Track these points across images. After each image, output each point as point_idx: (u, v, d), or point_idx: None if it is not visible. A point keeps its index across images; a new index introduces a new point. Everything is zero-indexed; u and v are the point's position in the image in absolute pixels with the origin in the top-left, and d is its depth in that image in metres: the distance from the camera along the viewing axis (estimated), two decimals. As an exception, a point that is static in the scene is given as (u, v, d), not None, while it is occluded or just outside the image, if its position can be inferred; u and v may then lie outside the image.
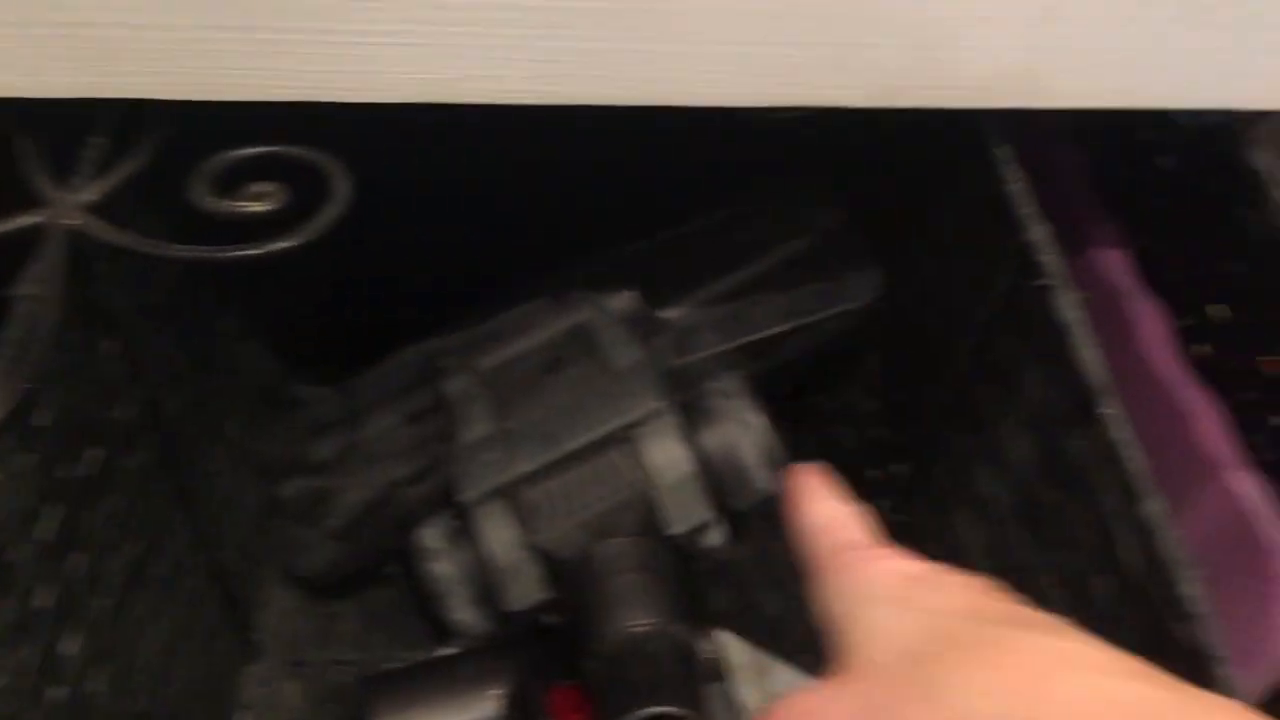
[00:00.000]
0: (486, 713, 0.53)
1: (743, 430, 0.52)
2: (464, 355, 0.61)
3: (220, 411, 0.58)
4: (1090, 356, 0.38)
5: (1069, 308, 0.39)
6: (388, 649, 0.63)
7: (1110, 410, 0.37)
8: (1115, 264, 0.55)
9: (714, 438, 0.52)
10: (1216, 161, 0.48)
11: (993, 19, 0.39)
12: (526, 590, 0.51)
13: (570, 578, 0.50)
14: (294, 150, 0.41)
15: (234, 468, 0.59)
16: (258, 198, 0.39)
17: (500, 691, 0.53)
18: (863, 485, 0.59)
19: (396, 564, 0.64)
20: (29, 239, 0.38)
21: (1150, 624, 0.34)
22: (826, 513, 0.34)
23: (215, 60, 0.38)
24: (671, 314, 0.60)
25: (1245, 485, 0.46)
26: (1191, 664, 0.32)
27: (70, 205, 0.39)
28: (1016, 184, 0.43)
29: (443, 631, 0.55)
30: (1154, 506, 0.34)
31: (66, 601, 0.39)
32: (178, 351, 0.51)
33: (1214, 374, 0.50)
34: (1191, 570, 0.33)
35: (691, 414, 0.53)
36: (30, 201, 0.39)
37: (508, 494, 0.52)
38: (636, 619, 0.47)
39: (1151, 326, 0.52)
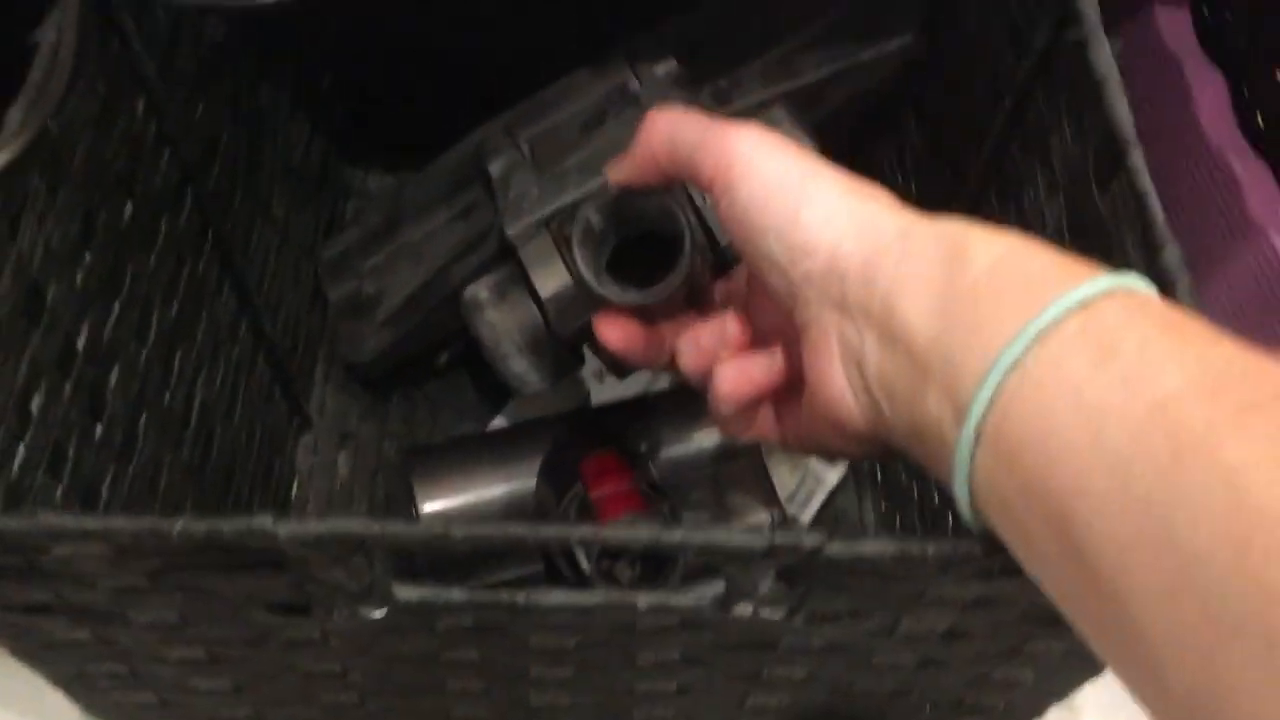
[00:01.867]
0: (525, 482, 0.54)
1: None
2: (509, 134, 0.61)
3: (266, 187, 0.58)
4: (1122, 110, 0.36)
5: (1105, 61, 0.38)
6: (433, 428, 0.65)
7: (1136, 162, 0.35)
8: (1176, 29, 0.52)
9: None
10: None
11: None
12: (573, 315, 0.51)
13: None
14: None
15: (281, 245, 0.61)
16: (273, -55, 0.38)
17: (537, 463, 0.54)
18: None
19: (446, 351, 0.66)
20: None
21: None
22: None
23: None
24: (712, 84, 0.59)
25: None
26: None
27: (87, -49, 0.39)
28: (1060, -72, 0.40)
29: (501, 388, 0.56)
30: (1173, 255, 0.33)
31: (110, 345, 0.41)
32: (215, 121, 0.51)
33: (1271, 141, 0.48)
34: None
35: None
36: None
37: (554, 226, 0.52)
38: None
39: (1210, 93, 0.50)
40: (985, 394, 0.25)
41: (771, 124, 0.52)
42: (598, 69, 0.59)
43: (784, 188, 0.31)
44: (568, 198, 0.51)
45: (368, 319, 0.65)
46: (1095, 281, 0.25)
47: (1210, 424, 0.21)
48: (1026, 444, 0.24)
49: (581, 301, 0.49)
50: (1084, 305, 0.25)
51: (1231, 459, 0.21)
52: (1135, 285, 0.26)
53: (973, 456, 0.25)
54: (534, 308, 0.52)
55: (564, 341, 0.52)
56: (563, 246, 0.51)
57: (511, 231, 0.52)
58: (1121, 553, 0.22)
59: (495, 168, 0.59)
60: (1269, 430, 0.21)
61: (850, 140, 0.65)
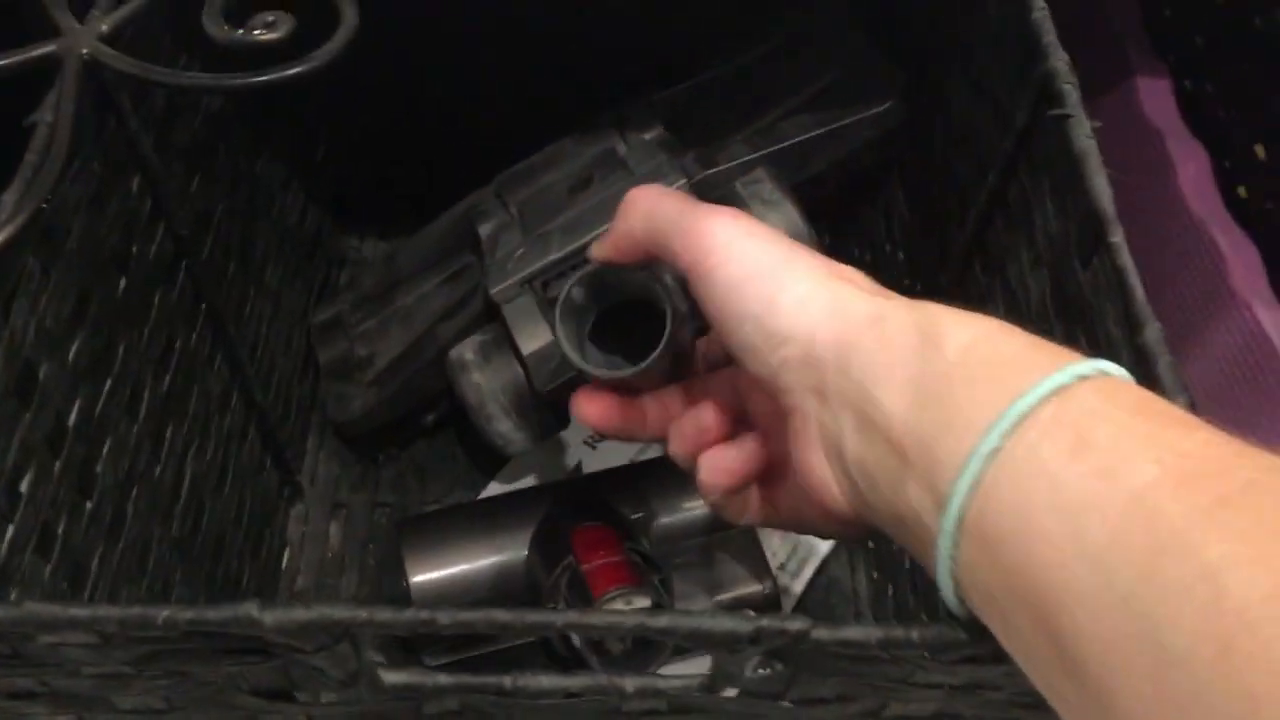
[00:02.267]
0: (516, 553, 0.54)
1: (768, 209, 0.52)
2: (497, 198, 0.62)
3: (259, 257, 0.59)
4: (1102, 187, 0.37)
5: (1085, 140, 0.38)
6: (424, 494, 0.65)
7: (1117, 239, 0.36)
8: (1160, 104, 0.53)
9: None
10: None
11: None
12: (556, 372, 0.51)
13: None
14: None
15: (274, 314, 0.61)
16: (267, 26, 0.39)
17: (528, 533, 0.54)
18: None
19: (434, 412, 0.66)
20: (50, 69, 0.39)
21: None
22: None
23: None
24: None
25: (1277, 325, 0.44)
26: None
27: (85, 35, 0.39)
28: (1040, 11, 0.41)
29: (491, 453, 0.57)
30: (1153, 333, 0.33)
31: (101, 423, 0.41)
32: (209, 194, 0.52)
33: (1253, 215, 0.48)
34: (1185, 396, 0.32)
35: (721, 201, 0.53)
36: (49, 32, 0.40)
37: (537, 286, 0.52)
38: None
39: (1192, 166, 0.50)
40: (964, 485, 0.25)
41: (753, 184, 0.53)
42: (586, 135, 0.60)
43: (760, 275, 0.31)
44: (551, 256, 0.52)
45: (355, 381, 0.65)
46: (1068, 368, 0.25)
47: (1188, 518, 0.22)
48: (1007, 537, 0.24)
49: (564, 361, 0.50)
50: (1058, 392, 0.25)
51: (1211, 556, 0.21)
52: (1109, 370, 0.26)
53: (955, 546, 0.25)
54: (518, 368, 0.53)
55: (547, 400, 0.52)
56: (545, 305, 0.52)
57: (495, 290, 0.52)
58: (1105, 650, 0.22)
59: (484, 229, 0.60)
60: (1245, 525, 0.21)
61: (840, 208, 0.66)
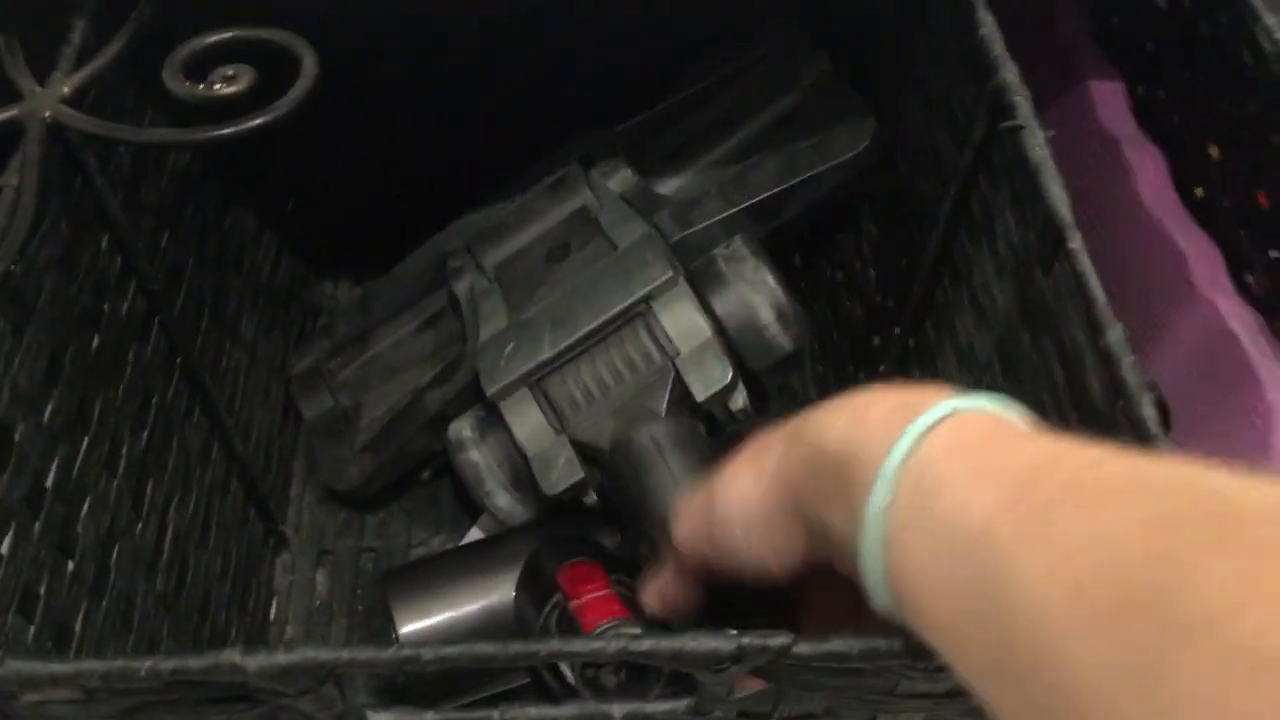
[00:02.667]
0: (504, 595, 0.54)
1: (755, 290, 0.52)
2: (471, 254, 0.62)
3: (233, 310, 0.59)
4: (1058, 194, 0.38)
5: (1039, 150, 0.39)
6: (410, 538, 0.65)
7: (1075, 245, 0.36)
8: (1115, 110, 0.54)
9: (728, 301, 0.52)
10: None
11: None
12: (562, 474, 0.51)
13: (609, 467, 0.51)
14: (261, 32, 0.41)
15: (250, 365, 0.61)
16: (227, 80, 0.39)
17: (514, 575, 0.54)
18: (869, 352, 0.60)
19: (429, 469, 0.66)
20: (13, 132, 0.39)
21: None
22: None
23: None
24: (669, 186, 0.60)
25: (1241, 319, 0.45)
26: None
27: (47, 97, 0.40)
28: (987, 27, 0.42)
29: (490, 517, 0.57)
30: (1116, 335, 0.34)
31: (80, 481, 0.41)
32: (180, 250, 0.52)
33: (1211, 213, 0.49)
34: (1150, 394, 0.33)
35: (703, 280, 0.53)
36: (11, 97, 0.40)
37: (533, 383, 0.53)
38: None
39: (1150, 170, 0.51)
40: (874, 552, 0.27)
41: (735, 262, 0.53)
42: (556, 186, 0.60)
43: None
44: (544, 355, 0.52)
45: (347, 443, 0.65)
46: (909, 431, 0.27)
47: (1014, 540, 0.23)
48: (910, 584, 0.26)
49: (569, 464, 0.50)
50: (912, 451, 0.26)
51: (1024, 570, 0.23)
52: (958, 406, 0.27)
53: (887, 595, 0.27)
54: (514, 443, 0.53)
55: (553, 500, 0.52)
56: (543, 402, 0.52)
57: (492, 391, 0.52)
58: (990, 683, 0.24)
59: (460, 288, 0.60)
60: (1050, 533, 0.23)
61: (810, 231, 0.66)
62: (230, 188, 0.60)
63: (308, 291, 0.74)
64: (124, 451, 0.45)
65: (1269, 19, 0.44)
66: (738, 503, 0.32)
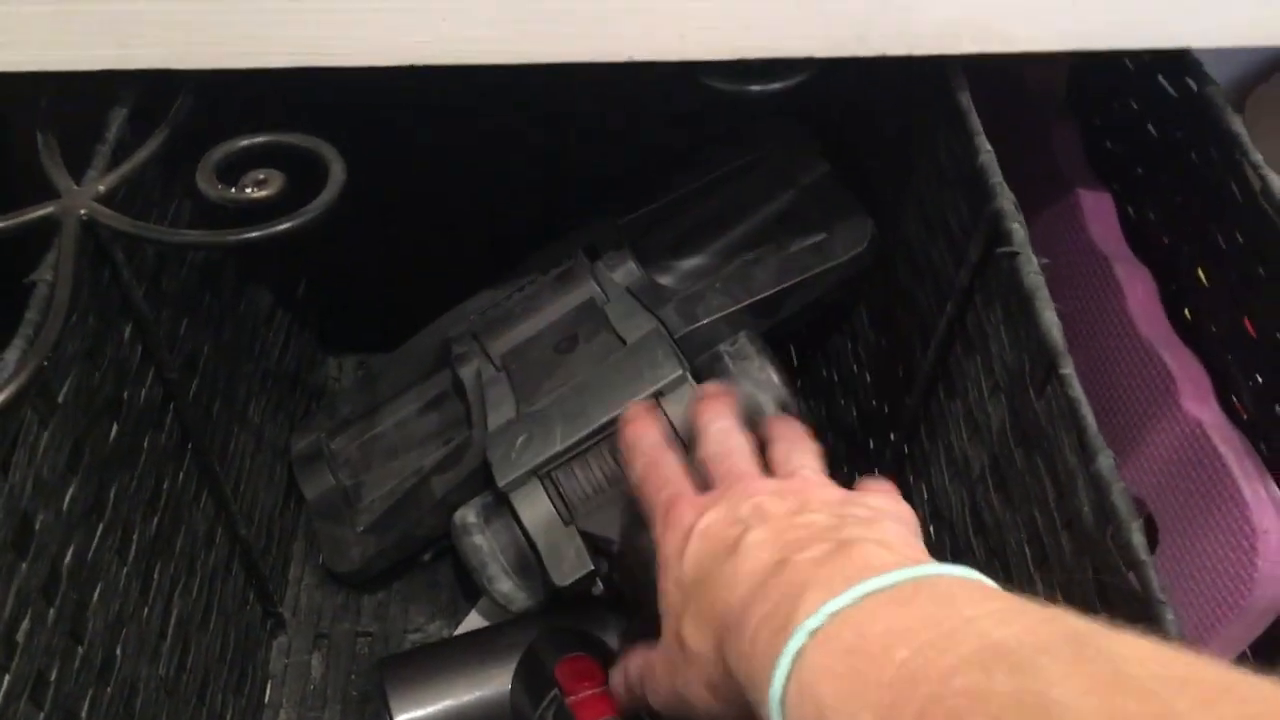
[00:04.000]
0: (500, 687, 0.55)
1: (760, 388, 0.54)
2: (477, 340, 0.64)
3: (243, 396, 0.60)
4: (1050, 320, 0.39)
5: (1032, 274, 0.41)
6: (407, 621, 0.65)
7: (1067, 371, 0.38)
8: (1107, 229, 0.56)
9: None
10: (1202, 129, 0.49)
11: None
12: (573, 566, 0.53)
13: (618, 559, 0.52)
14: (292, 137, 0.43)
15: (256, 449, 0.62)
16: (258, 184, 0.41)
17: (511, 667, 0.55)
18: (864, 455, 0.61)
19: (430, 551, 0.67)
20: (48, 228, 0.41)
21: (1100, 571, 0.35)
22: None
23: (213, 32, 0.41)
24: (671, 277, 0.62)
25: (1228, 441, 0.46)
26: (1138, 607, 0.33)
27: (83, 196, 0.41)
28: (985, 154, 0.44)
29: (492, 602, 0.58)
30: (1106, 462, 0.35)
31: (93, 567, 0.42)
32: (197, 336, 0.53)
33: (1199, 335, 0.51)
34: (1138, 521, 0.34)
35: (708, 376, 0.55)
36: (48, 193, 0.42)
37: (543, 475, 0.54)
38: None
39: (1140, 289, 0.53)
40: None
41: (741, 360, 0.55)
42: (563, 281, 0.62)
43: None
44: (555, 449, 0.54)
45: (348, 524, 0.66)
46: (790, 645, 0.29)
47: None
48: None
49: (579, 556, 0.52)
50: (792, 675, 0.29)
51: None
52: (833, 609, 0.29)
53: None
54: (518, 531, 0.54)
55: (563, 591, 0.53)
56: (553, 493, 0.53)
57: (503, 483, 0.54)
58: None
59: (466, 374, 0.62)
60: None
61: (808, 329, 0.68)
62: (246, 272, 0.61)
63: (314, 373, 0.75)
64: (135, 537, 0.46)
65: (1255, 155, 0.46)
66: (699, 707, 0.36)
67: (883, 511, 0.39)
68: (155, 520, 0.48)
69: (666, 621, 0.40)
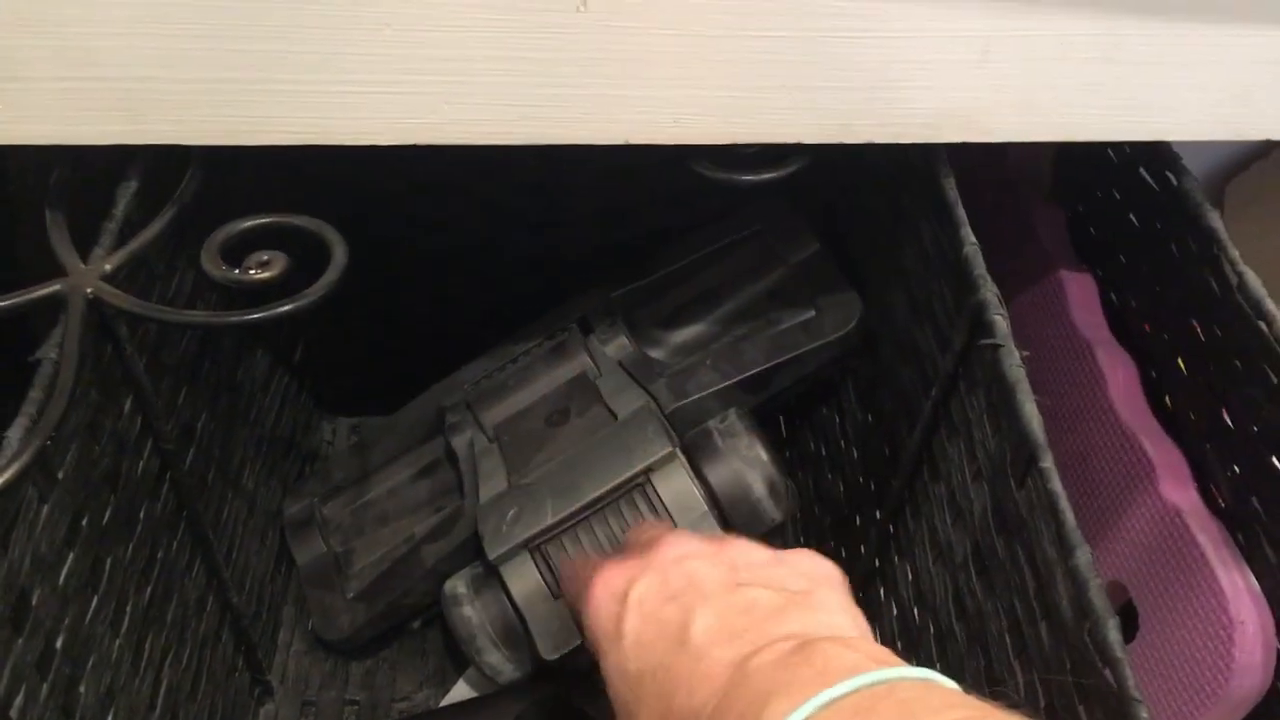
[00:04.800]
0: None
1: (749, 466, 0.55)
2: (470, 411, 0.64)
3: (238, 463, 0.61)
4: (1031, 413, 0.40)
5: (1014, 366, 0.42)
6: (394, 690, 0.66)
7: (1047, 465, 0.39)
8: (1089, 315, 0.57)
9: (723, 474, 0.55)
10: (1182, 222, 0.51)
11: (935, 61, 0.42)
12: (559, 639, 0.53)
13: None
14: (296, 219, 0.44)
15: (249, 514, 0.63)
16: (262, 266, 0.42)
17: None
18: (849, 530, 0.62)
19: (420, 619, 0.67)
20: (54, 306, 0.42)
21: (1077, 665, 0.36)
22: None
23: (229, 110, 0.42)
24: (662, 351, 0.63)
25: (1206, 530, 0.47)
26: (1114, 705, 0.34)
27: (89, 275, 0.42)
28: (971, 246, 0.45)
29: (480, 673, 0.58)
30: (1084, 558, 0.36)
31: (86, 640, 0.43)
32: (195, 405, 0.54)
33: (1179, 423, 0.52)
34: (1114, 619, 0.35)
35: (699, 452, 0.56)
36: (54, 271, 0.43)
37: (533, 549, 0.55)
38: None
39: (1121, 376, 0.54)
40: None
41: (730, 438, 0.56)
42: (556, 353, 0.63)
43: None
44: (547, 522, 0.54)
45: (338, 590, 0.66)
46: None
47: None
48: None
49: (567, 628, 0.52)
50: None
51: None
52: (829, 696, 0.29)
53: None
54: (508, 604, 0.55)
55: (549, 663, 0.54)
56: (542, 566, 0.54)
57: (494, 555, 0.54)
58: None
59: (459, 443, 0.62)
60: None
61: (797, 401, 0.69)
62: (242, 342, 0.62)
63: (308, 437, 0.75)
64: (129, 608, 0.46)
65: (1233, 251, 0.47)
66: None
67: (815, 578, 0.38)
68: (148, 590, 0.49)
69: (619, 715, 0.38)
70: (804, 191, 0.66)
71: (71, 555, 0.41)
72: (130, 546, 0.47)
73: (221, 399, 0.58)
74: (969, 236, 0.46)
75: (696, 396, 0.58)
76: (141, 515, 0.48)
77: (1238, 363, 0.47)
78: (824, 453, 0.69)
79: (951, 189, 0.48)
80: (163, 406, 0.49)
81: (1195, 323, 0.51)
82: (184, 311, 0.44)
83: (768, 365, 0.60)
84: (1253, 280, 0.46)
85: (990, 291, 0.44)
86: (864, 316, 0.60)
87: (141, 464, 0.48)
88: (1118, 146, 0.57)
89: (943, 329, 0.49)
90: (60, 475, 0.41)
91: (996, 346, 0.43)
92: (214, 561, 0.56)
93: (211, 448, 0.56)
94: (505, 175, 0.63)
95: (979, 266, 0.45)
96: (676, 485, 0.54)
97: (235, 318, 0.42)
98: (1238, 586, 0.45)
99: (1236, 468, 0.48)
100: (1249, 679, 0.43)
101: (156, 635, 0.49)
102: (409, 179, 0.64)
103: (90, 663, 0.43)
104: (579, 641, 0.53)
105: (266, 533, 0.66)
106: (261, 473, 0.65)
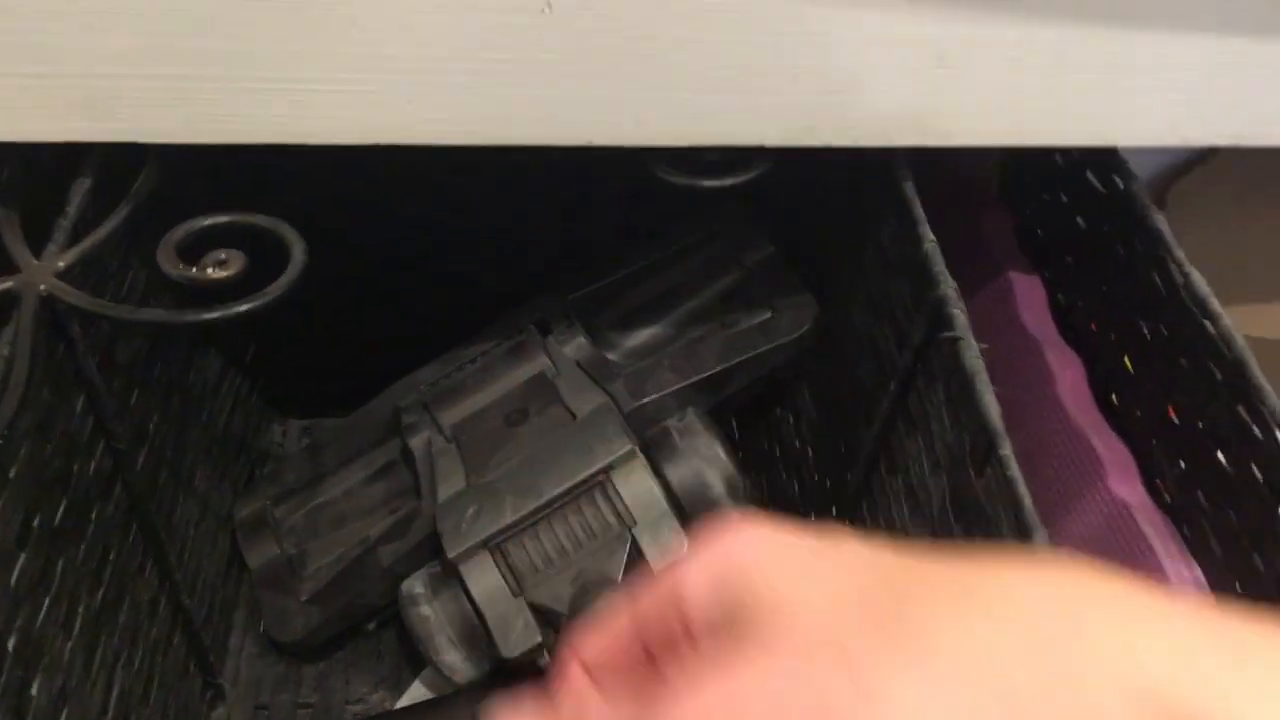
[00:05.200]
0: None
1: (708, 464, 0.56)
2: (427, 411, 0.64)
3: (190, 464, 0.60)
4: (990, 403, 0.41)
5: (973, 360, 0.42)
6: (348, 693, 0.65)
7: (1006, 452, 0.39)
8: (1038, 315, 0.58)
9: (682, 472, 0.56)
10: (1128, 224, 0.52)
11: (890, 66, 0.43)
12: (521, 638, 0.53)
13: (566, 631, 0.53)
14: (254, 218, 0.44)
15: (201, 517, 0.62)
16: (219, 264, 0.42)
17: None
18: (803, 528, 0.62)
19: (376, 620, 0.66)
20: (6, 303, 0.41)
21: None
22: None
23: (193, 108, 0.42)
24: (619, 352, 0.63)
25: (1153, 523, 0.48)
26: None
27: (42, 271, 0.41)
28: (930, 243, 0.46)
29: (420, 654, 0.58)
30: (1040, 540, 0.37)
31: (38, 644, 0.42)
32: (147, 405, 0.53)
33: (1126, 420, 0.53)
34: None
35: (658, 450, 0.56)
36: (7, 267, 0.42)
37: (493, 547, 0.54)
38: None
39: (1069, 374, 0.55)
40: None
41: (689, 436, 0.56)
42: (514, 354, 0.63)
43: None
44: (506, 520, 0.54)
45: (292, 593, 0.65)
46: None
47: None
48: None
49: (527, 628, 0.52)
50: None
51: None
52: None
53: None
54: (466, 602, 0.54)
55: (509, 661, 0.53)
56: (502, 565, 0.54)
57: (453, 554, 0.54)
58: None
59: (416, 444, 0.62)
60: None
61: (751, 403, 0.70)
62: (197, 340, 0.62)
63: (259, 438, 0.75)
64: (80, 610, 0.46)
65: (1178, 252, 0.48)
66: None
67: None
68: (100, 592, 0.48)
69: None
70: (764, 195, 0.67)
71: (23, 556, 0.41)
72: (82, 548, 0.46)
73: (173, 399, 0.57)
74: (928, 234, 0.47)
75: (654, 397, 0.59)
76: (93, 516, 0.47)
77: (1183, 360, 0.48)
78: (778, 452, 0.69)
79: (910, 188, 0.49)
80: (115, 406, 0.49)
81: (1141, 322, 0.52)
82: (140, 310, 0.43)
83: (724, 366, 0.60)
84: (1198, 280, 0.47)
85: (949, 287, 0.45)
86: (819, 318, 0.61)
87: (93, 464, 0.48)
88: (1065, 150, 0.58)
89: (901, 326, 0.50)
90: (11, 475, 0.40)
91: (956, 339, 0.43)
92: (166, 563, 0.55)
93: (163, 449, 0.55)
94: (466, 174, 0.63)
95: (938, 263, 0.46)
96: (637, 483, 0.55)
97: (193, 317, 0.41)
98: (1184, 577, 0.46)
99: (1182, 463, 0.49)
100: (1197, 667, 0.44)
101: (109, 638, 0.49)
102: (366, 177, 0.63)
103: (42, 665, 0.42)
104: (539, 640, 0.53)
105: (218, 535, 0.65)
106: (214, 475, 0.64)
